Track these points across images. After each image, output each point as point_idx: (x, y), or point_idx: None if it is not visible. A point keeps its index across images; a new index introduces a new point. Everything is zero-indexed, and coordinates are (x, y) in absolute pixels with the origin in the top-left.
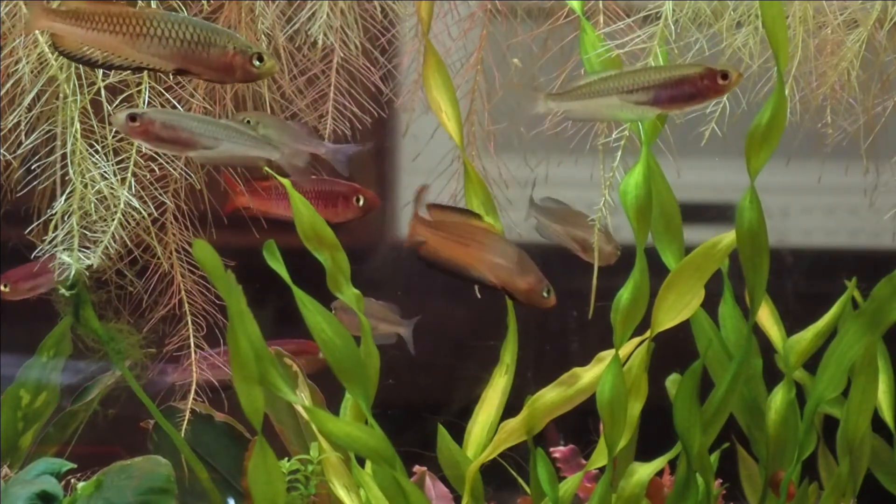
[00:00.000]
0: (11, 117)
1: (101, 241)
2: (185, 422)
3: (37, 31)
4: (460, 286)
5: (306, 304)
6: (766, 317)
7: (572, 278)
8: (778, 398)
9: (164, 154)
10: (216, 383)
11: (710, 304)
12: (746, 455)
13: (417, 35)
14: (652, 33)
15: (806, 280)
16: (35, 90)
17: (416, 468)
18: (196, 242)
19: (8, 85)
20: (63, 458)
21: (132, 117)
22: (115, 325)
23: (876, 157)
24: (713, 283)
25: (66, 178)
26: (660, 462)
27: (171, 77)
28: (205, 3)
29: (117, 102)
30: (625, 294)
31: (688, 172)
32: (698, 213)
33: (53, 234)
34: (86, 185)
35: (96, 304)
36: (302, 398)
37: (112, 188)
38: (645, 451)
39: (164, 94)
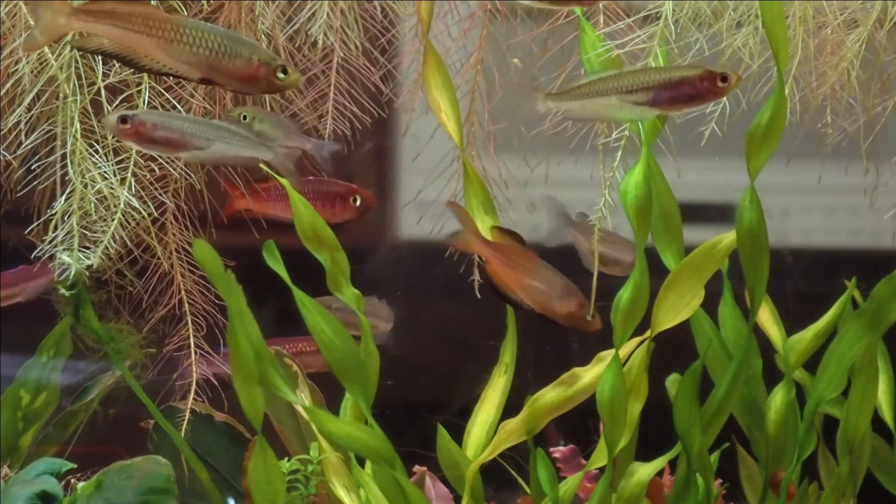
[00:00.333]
0: (11, 117)
1: (101, 241)
2: (185, 422)
3: (37, 32)
4: (460, 286)
5: (306, 304)
6: (766, 317)
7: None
8: (778, 398)
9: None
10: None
11: (710, 304)
12: (746, 455)
13: (417, 35)
14: (652, 33)
15: (806, 280)
16: (35, 90)
17: (416, 468)
18: (196, 242)
19: (8, 85)
20: (63, 458)
21: (123, 119)
22: (115, 325)
23: (876, 157)
24: (713, 283)
25: (66, 178)
26: (660, 462)
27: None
28: (205, 3)
29: (117, 102)
30: (625, 294)
31: (688, 172)
32: (698, 213)
33: (53, 234)
34: (86, 185)
35: (96, 304)
36: (302, 398)
37: (112, 188)
38: (645, 451)
39: (163, 94)
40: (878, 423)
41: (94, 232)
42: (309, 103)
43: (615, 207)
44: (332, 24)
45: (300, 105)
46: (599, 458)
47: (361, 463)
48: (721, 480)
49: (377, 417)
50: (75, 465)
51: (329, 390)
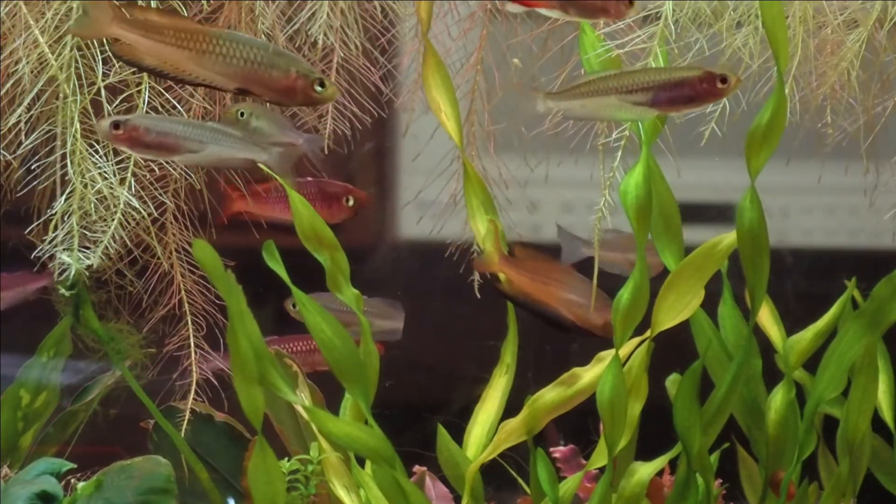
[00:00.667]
0: (11, 117)
1: (101, 241)
2: (185, 422)
3: (36, 32)
4: (460, 286)
5: (306, 304)
6: (766, 317)
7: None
8: (778, 398)
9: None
10: None
11: (710, 304)
12: (746, 455)
13: (417, 35)
14: (652, 33)
15: (806, 280)
16: (35, 90)
17: (416, 468)
18: (196, 242)
19: (8, 85)
20: (63, 458)
21: (115, 125)
22: (115, 325)
23: (876, 157)
24: (713, 283)
25: (66, 178)
26: (660, 462)
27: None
28: (205, 2)
29: (117, 102)
30: (625, 294)
31: (688, 172)
32: (698, 213)
33: (53, 234)
34: (86, 185)
35: (96, 304)
36: (302, 398)
37: (112, 188)
38: (645, 451)
39: (163, 94)
40: (878, 423)
41: (94, 232)
42: None
43: (615, 207)
44: (332, 24)
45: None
46: (599, 458)
47: (361, 463)
48: (721, 480)
49: (377, 417)
50: (75, 465)
51: (329, 390)
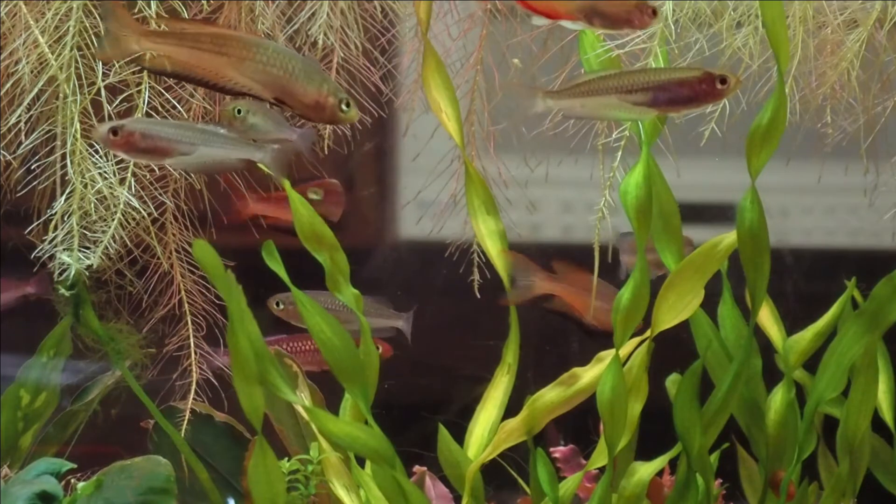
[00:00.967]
0: (11, 117)
1: (101, 241)
2: (185, 422)
3: (36, 32)
4: (460, 286)
5: (306, 304)
6: (766, 317)
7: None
8: (778, 398)
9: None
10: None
11: (710, 304)
12: (746, 455)
13: (417, 35)
14: (652, 33)
15: (806, 280)
16: (35, 90)
17: (416, 468)
18: (196, 242)
19: (8, 85)
20: (63, 458)
21: (114, 131)
22: (115, 325)
23: (876, 157)
24: (713, 283)
25: (66, 178)
26: (660, 462)
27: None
28: (205, 2)
29: (117, 102)
30: (625, 294)
31: (688, 172)
32: (698, 213)
33: (53, 234)
34: (86, 185)
35: (96, 304)
36: (302, 398)
37: (112, 188)
38: (645, 451)
39: (163, 94)
40: (878, 423)
41: (94, 232)
42: None
43: (615, 207)
44: (332, 24)
45: None
46: (599, 458)
47: (361, 463)
48: (721, 480)
49: (377, 417)
50: (75, 465)
51: (329, 390)
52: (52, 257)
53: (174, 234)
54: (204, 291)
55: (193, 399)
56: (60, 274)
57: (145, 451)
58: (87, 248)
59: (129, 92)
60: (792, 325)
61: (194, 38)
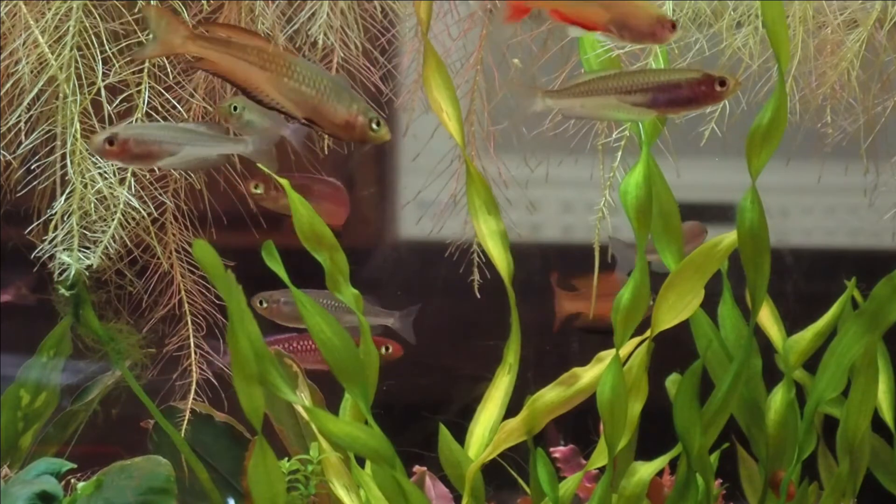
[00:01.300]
0: (11, 117)
1: (101, 241)
2: (185, 422)
3: (37, 32)
4: (460, 286)
5: (305, 304)
6: (766, 317)
7: (573, 279)
8: (778, 398)
9: None
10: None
11: (711, 304)
12: (746, 455)
13: (417, 35)
14: None
15: (806, 280)
16: (35, 90)
17: (416, 468)
18: (196, 242)
19: (8, 85)
20: (63, 458)
21: (110, 140)
22: (115, 325)
23: (876, 157)
24: (713, 283)
25: (66, 178)
26: (661, 461)
27: (171, 78)
28: (205, 3)
29: (117, 102)
30: (625, 294)
31: (688, 172)
32: (698, 213)
33: (53, 234)
34: (86, 185)
35: (96, 304)
36: (302, 398)
37: (112, 188)
38: (645, 451)
39: (163, 94)
40: (878, 423)
41: (94, 232)
42: None
43: (615, 207)
44: (332, 24)
45: None
46: (599, 458)
47: (361, 463)
48: (721, 480)
49: (377, 417)
50: (75, 465)
51: (330, 390)
52: (52, 257)
53: (174, 234)
54: (204, 291)
55: (193, 399)
56: (60, 274)
57: (145, 451)
58: (87, 248)
59: (129, 92)
60: (792, 325)
61: (240, 48)
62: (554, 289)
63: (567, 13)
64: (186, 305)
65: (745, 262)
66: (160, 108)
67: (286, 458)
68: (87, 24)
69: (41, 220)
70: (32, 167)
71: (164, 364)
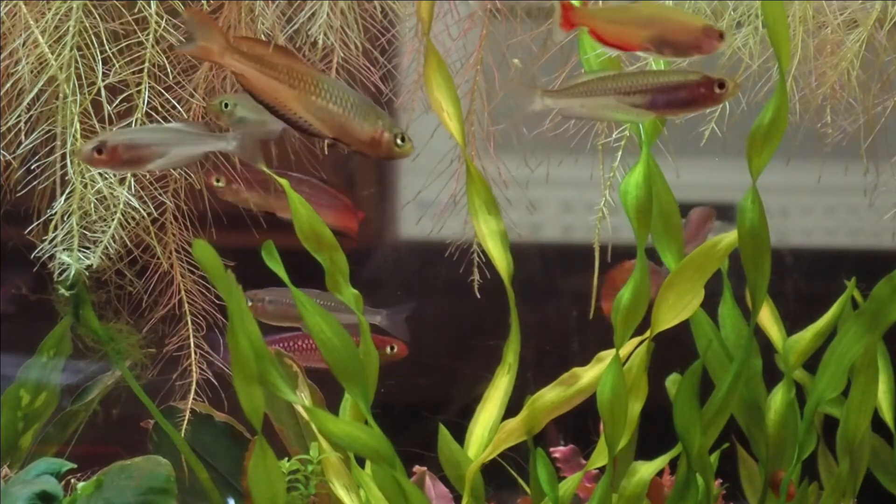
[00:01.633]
0: (11, 117)
1: (101, 241)
2: (185, 422)
3: (37, 32)
4: (460, 286)
5: (305, 304)
6: (766, 317)
7: (573, 278)
8: (778, 398)
9: None
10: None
11: (711, 304)
12: (746, 455)
13: (417, 35)
14: None
15: (806, 280)
16: (35, 90)
17: (416, 468)
18: (196, 242)
19: (8, 85)
20: (63, 458)
21: (98, 149)
22: (115, 325)
23: (876, 157)
24: (713, 283)
25: (66, 178)
26: (661, 461)
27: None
28: (205, 3)
29: (117, 102)
30: (625, 294)
31: (688, 172)
32: None
33: (53, 234)
34: (86, 185)
35: (96, 304)
36: (302, 398)
37: (112, 188)
38: (645, 451)
39: (163, 94)
40: (878, 423)
41: (94, 232)
42: None
43: (615, 207)
44: (332, 24)
45: None
46: (599, 457)
47: (361, 463)
48: (721, 480)
49: (377, 417)
50: (75, 465)
51: (329, 390)
52: (52, 257)
53: (174, 234)
54: (204, 291)
55: (193, 399)
56: (60, 274)
57: (145, 451)
58: (87, 248)
59: (129, 92)
60: (792, 325)
61: (271, 66)
62: (601, 291)
63: (605, 35)
64: (186, 305)
65: (746, 262)
66: (160, 108)
67: (286, 458)
68: (87, 24)
69: (41, 220)
70: (32, 167)
71: (164, 364)
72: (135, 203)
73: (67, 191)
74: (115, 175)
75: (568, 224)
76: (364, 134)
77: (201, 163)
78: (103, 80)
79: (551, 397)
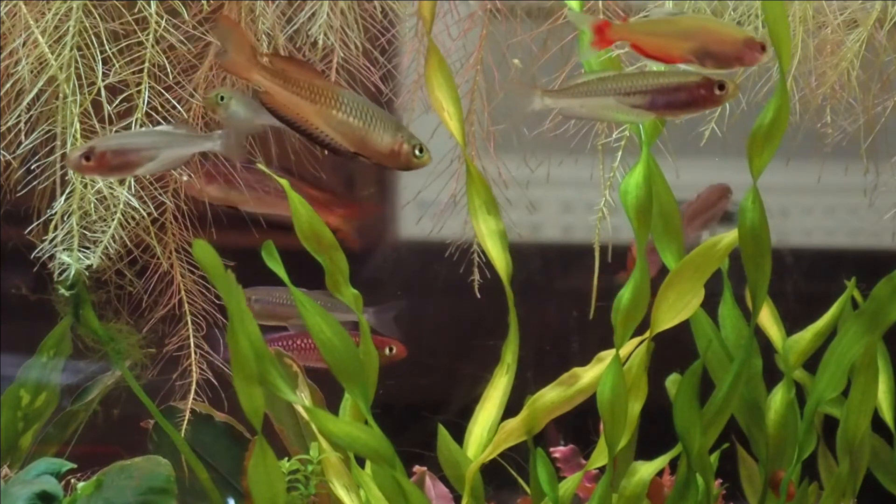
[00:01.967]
0: (11, 117)
1: (101, 241)
2: (185, 422)
3: (37, 32)
4: (460, 286)
5: (305, 304)
6: (766, 317)
7: (572, 278)
8: (778, 398)
9: None
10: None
11: (711, 304)
12: (746, 455)
13: (417, 35)
14: None
15: (806, 280)
16: (35, 90)
17: (416, 468)
18: (196, 242)
19: (8, 85)
20: (63, 458)
21: (86, 156)
22: (115, 325)
23: (876, 157)
24: (713, 283)
25: (66, 178)
26: (661, 461)
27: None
28: (205, 3)
29: (117, 102)
30: (625, 294)
31: (688, 172)
32: None
33: (53, 234)
34: (86, 185)
35: (96, 304)
36: (302, 398)
37: (112, 188)
38: (645, 451)
39: (163, 94)
40: (878, 423)
41: (94, 232)
42: None
43: (615, 207)
44: (332, 24)
45: None
46: (599, 457)
47: (361, 463)
48: (721, 480)
49: (377, 417)
50: (75, 465)
51: (329, 390)
52: (52, 257)
53: (174, 234)
54: (204, 291)
55: (193, 399)
56: (60, 274)
57: (145, 451)
58: (87, 248)
59: (129, 92)
60: (792, 325)
61: (294, 82)
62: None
63: (647, 48)
64: (186, 305)
65: (746, 262)
66: (160, 108)
67: (286, 458)
68: (87, 24)
69: (41, 220)
70: (32, 167)
71: (164, 364)
72: (135, 203)
73: (67, 191)
74: None
75: (568, 224)
76: (384, 146)
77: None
78: (103, 80)
79: (551, 397)
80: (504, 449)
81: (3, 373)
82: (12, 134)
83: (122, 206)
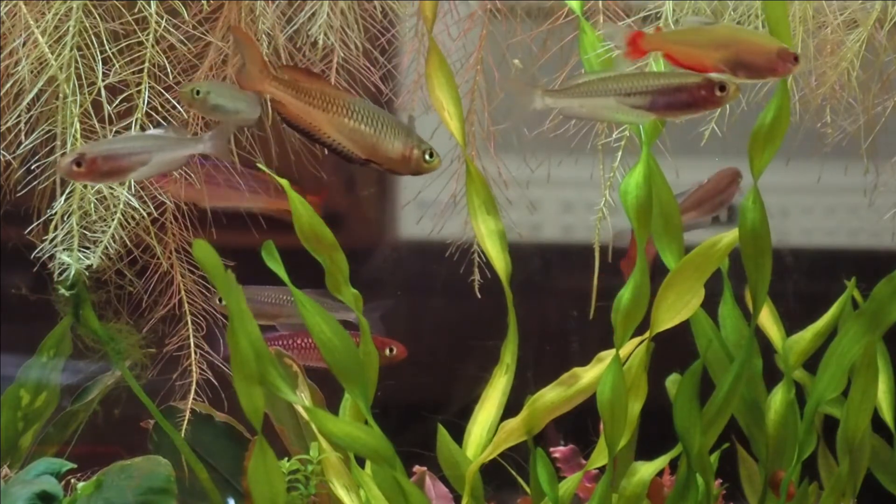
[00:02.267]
0: (11, 117)
1: (101, 241)
2: (185, 422)
3: (37, 32)
4: (460, 286)
5: (305, 304)
6: (766, 317)
7: (572, 278)
8: (778, 398)
9: None
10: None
11: (711, 304)
12: (746, 455)
13: (417, 35)
14: None
15: (806, 280)
16: (35, 90)
17: (416, 468)
18: (196, 242)
19: (8, 85)
20: (63, 458)
21: (77, 162)
22: (115, 325)
23: (876, 157)
24: (713, 283)
25: None
26: (661, 461)
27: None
28: (205, 3)
29: (117, 102)
30: (625, 294)
31: (688, 172)
32: None
33: (53, 234)
34: (85, 186)
35: (96, 304)
36: (302, 398)
37: (112, 188)
38: (645, 451)
39: (163, 94)
40: (878, 423)
41: (94, 232)
42: None
43: (615, 207)
44: (332, 24)
45: None
46: (599, 457)
47: (361, 463)
48: (721, 480)
49: (377, 417)
50: (75, 465)
51: (329, 390)
52: (52, 257)
53: (174, 234)
54: (204, 291)
55: (193, 399)
56: (60, 274)
57: (145, 451)
58: (87, 248)
59: (129, 92)
60: (792, 325)
61: (306, 92)
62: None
63: (680, 58)
64: (186, 305)
65: (747, 262)
66: (160, 108)
67: (286, 458)
68: (87, 24)
69: (41, 220)
70: (32, 167)
71: (164, 364)
72: (135, 203)
73: (67, 191)
74: None
75: (568, 224)
76: (395, 152)
77: None
78: (103, 81)
79: (551, 397)
80: (504, 449)
81: (3, 373)
82: (12, 134)
83: (122, 206)
